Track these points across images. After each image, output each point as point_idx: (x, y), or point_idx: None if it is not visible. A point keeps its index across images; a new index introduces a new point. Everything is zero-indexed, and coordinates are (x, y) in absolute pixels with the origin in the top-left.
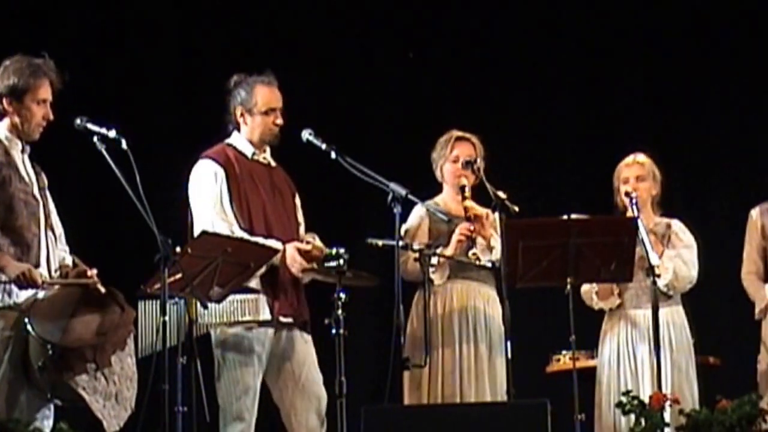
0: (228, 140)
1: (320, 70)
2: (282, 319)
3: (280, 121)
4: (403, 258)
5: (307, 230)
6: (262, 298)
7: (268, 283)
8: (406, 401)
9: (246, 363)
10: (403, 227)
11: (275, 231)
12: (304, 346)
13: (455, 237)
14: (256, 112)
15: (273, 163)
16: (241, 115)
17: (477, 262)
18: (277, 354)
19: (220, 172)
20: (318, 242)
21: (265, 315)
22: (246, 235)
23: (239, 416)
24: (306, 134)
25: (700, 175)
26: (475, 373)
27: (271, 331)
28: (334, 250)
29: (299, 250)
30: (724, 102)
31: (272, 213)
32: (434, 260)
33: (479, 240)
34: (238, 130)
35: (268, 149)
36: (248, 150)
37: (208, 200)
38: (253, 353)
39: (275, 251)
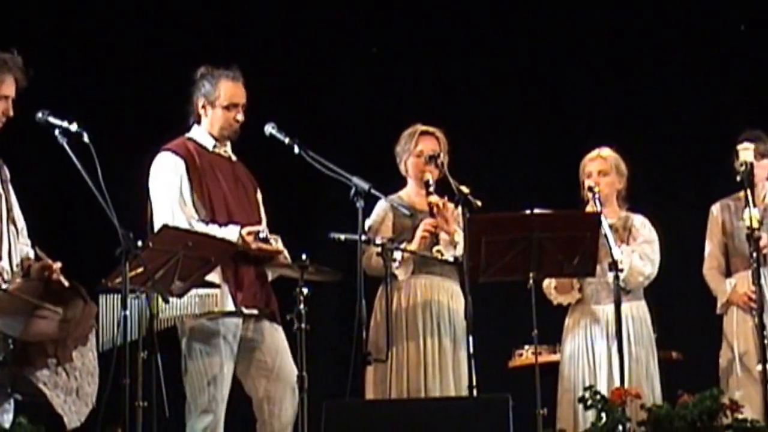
0: (188, 134)
1: (284, 64)
2: (245, 310)
3: (241, 117)
4: (367, 253)
5: (268, 224)
6: (225, 290)
7: (231, 274)
8: (371, 396)
9: (213, 353)
10: (367, 222)
11: (244, 220)
12: (275, 334)
13: (419, 232)
14: (218, 105)
15: (234, 158)
16: (203, 107)
17: (440, 257)
18: (245, 344)
19: (181, 164)
20: (280, 245)
21: (229, 306)
22: (203, 226)
23: (206, 409)
24: (269, 128)
25: (664, 170)
26: (440, 367)
27: (239, 321)
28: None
29: (249, 232)
30: (689, 98)
31: (234, 204)
32: (397, 255)
33: (443, 235)
34: (199, 122)
35: (228, 143)
36: (209, 143)
37: (169, 192)
38: (220, 342)
39: (236, 246)
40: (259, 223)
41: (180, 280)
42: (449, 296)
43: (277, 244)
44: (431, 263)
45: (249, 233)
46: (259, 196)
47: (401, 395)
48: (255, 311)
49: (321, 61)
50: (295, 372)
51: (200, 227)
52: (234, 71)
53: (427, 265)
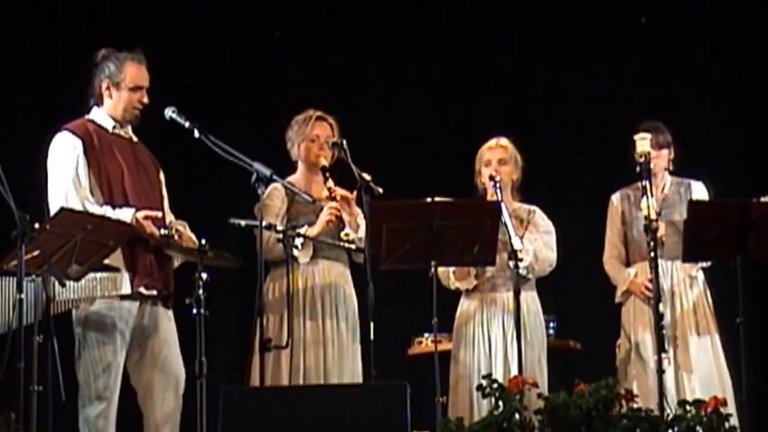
0: (88, 116)
1: (187, 47)
2: (143, 291)
3: (146, 100)
4: (266, 238)
5: (171, 209)
6: (122, 273)
7: (128, 256)
8: (267, 381)
9: (107, 341)
10: (259, 203)
11: (136, 203)
12: (167, 323)
13: (324, 217)
14: (123, 87)
15: (135, 139)
16: (107, 88)
17: (351, 246)
18: (140, 332)
19: (78, 144)
20: (188, 232)
21: (125, 288)
22: (97, 208)
23: (100, 396)
24: (169, 112)
25: (560, 160)
26: (339, 350)
27: (134, 306)
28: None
29: (146, 216)
30: (588, 88)
31: (133, 185)
32: (298, 241)
33: (345, 217)
34: (100, 104)
35: (129, 126)
36: (108, 124)
37: (64, 172)
38: (115, 330)
39: (135, 229)
40: (161, 205)
41: (77, 264)
42: (345, 281)
43: (185, 230)
44: (329, 248)
45: (146, 217)
46: (162, 176)
47: (309, 378)
48: (154, 292)
49: (223, 45)
50: (181, 364)
51: (94, 209)
52: (138, 54)
53: (324, 250)
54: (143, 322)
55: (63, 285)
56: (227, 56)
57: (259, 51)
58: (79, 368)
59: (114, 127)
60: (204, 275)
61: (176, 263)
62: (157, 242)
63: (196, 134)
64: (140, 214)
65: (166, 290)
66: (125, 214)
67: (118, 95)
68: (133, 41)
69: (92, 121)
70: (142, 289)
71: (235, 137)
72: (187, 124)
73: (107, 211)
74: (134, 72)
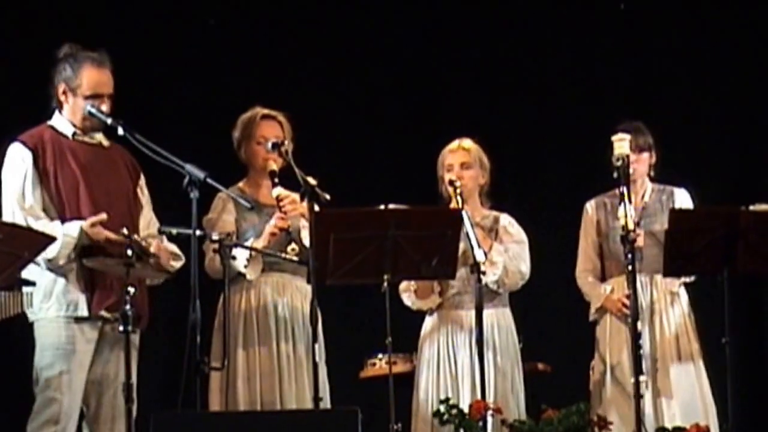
0: (50, 121)
1: (110, 36)
2: (104, 313)
3: (105, 108)
4: (209, 255)
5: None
6: (80, 294)
7: (86, 275)
8: (216, 406)
9: (65, 361)
10: (205, 218)
11: (90, 215)
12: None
13: (267, 229)
14: (79, 94)
15: (106, 143)
16: (64, 92)
17: (294, 259)
18: (98, 353)
19: (27, 156)
20: (167, 243)
21: (81, 311)
22: (44, 223)
23: (56, 419)
24: (88, 106)
25: (530, 164)
26: (296, 374)
27: (96, 326)
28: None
29: (93, 223)
30: (558, 82)
31: (89, 195)
32: (240, 253)
33: (303, 222)
34: (61, 109)
35: (99, 131)
36: (68, 130)
37: (11, 188)
38: (74, 353)
39: (52, 239)
40: (134, 212)
41: None
42: (302, 297)
43: (164, 243)
44: (282, 260)
45: (92, 224)
46: (142, 181)
47: (253, 406)
48: (116, 315)
49: (154, 32)
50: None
51: (39, 226)
52: (101, 55)
53: (277, 262)
54: (103, 343)
55: None
56: (156, 45)
57: (192, 40)
58: (37, 391)
59: (75, 134)
60: (131, 289)
61: (157, 281)
62: (120, 245)
63: (120, 132)
64: (85, 224)
65: (138, 312)
66: (71, 228)
67: (74, 102)
68: (53, 32)
69: (52, 128)
70: (103, 313)
71: (171, 137)
72: (109, 121)
73: (56, 226)
74: (93, 78)
